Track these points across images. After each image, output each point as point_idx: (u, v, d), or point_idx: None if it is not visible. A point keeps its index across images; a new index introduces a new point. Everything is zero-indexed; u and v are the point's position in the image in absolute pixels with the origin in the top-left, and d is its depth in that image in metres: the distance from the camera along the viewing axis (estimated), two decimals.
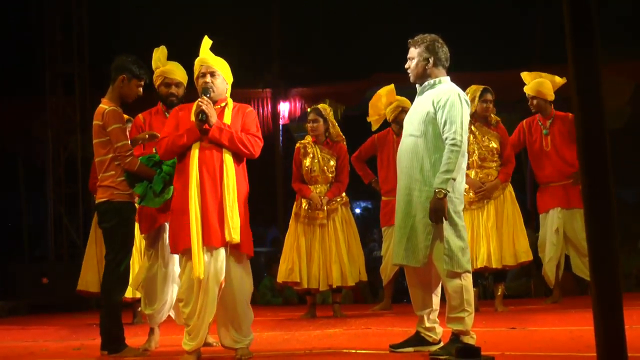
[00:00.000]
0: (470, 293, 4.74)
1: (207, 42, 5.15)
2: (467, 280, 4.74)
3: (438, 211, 4.67)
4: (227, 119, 5.02)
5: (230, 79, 5.18)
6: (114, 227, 5.44)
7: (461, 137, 4.72)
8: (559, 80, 7.67)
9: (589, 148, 2.42)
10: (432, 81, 4.96)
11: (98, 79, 6.14)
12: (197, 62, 5.16)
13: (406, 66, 5.04)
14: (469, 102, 5.02)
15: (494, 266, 7.35)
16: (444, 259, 4.71)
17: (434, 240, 4.73)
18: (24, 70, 12.17)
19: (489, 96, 7.48)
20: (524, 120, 8.01)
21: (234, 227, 4.84)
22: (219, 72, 5.08)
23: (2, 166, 13.04)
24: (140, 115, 5.68)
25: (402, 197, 4.89)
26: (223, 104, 5.09)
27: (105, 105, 5.50)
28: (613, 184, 2.44)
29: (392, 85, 7.90)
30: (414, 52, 4.99)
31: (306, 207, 7.77)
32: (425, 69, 4.95)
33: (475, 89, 7.48)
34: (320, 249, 7.71)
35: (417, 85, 5.07)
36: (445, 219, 4.70)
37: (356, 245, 7.87)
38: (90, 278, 8.12)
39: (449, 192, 4.68)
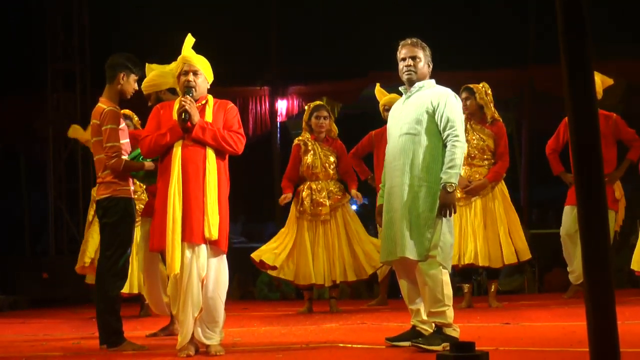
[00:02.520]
0: (449, 288, 4.86)
1: (190, 40, 5.14)
2: (447, 276, 4.87)
3: (449, 205, 4.79)
4: (209, 116, 5.03)
5: (211, 77, 5.19)
6: (116, 223, 5.46)
7: (462, 134, 4.91)
8: (609, 81, 7.58)
9: (582, 147, 2.43)
10: (421, 83, 5.07)
11: (99, 76, 6.14)
12: (179, 59, 5.15)
13: (409, 64, 5.05)
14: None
15: (480, 264, 7.36)
16: (437, 251, 4.81)
17: (433, 234, 4.81)
18: (25, 68, 12.14)
19: (464, 94, 7.42)
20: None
21: (213, 224, 4.87)
22: (201, 71, 5.09)
23: (3, 163, 13.05)
24: (158, 105, 5.36)
25: (398, 193, 4.92)
26: (204, 102, 5.10)
27: (103, 105, 5.51)
28: (605, 183, 2.48)
29: (377, 85, 7.94)
30: (419, 53, 5.07)
31: (308, 204, 7.82)
32: (427, 72, 5.11)
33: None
34: (324, 245, 7.77)
35: (403, 88, 5.16)
36: (455, 213, 4.83)
37: (365, 235, 7.91)
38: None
39: (456, 185, 4.82)
